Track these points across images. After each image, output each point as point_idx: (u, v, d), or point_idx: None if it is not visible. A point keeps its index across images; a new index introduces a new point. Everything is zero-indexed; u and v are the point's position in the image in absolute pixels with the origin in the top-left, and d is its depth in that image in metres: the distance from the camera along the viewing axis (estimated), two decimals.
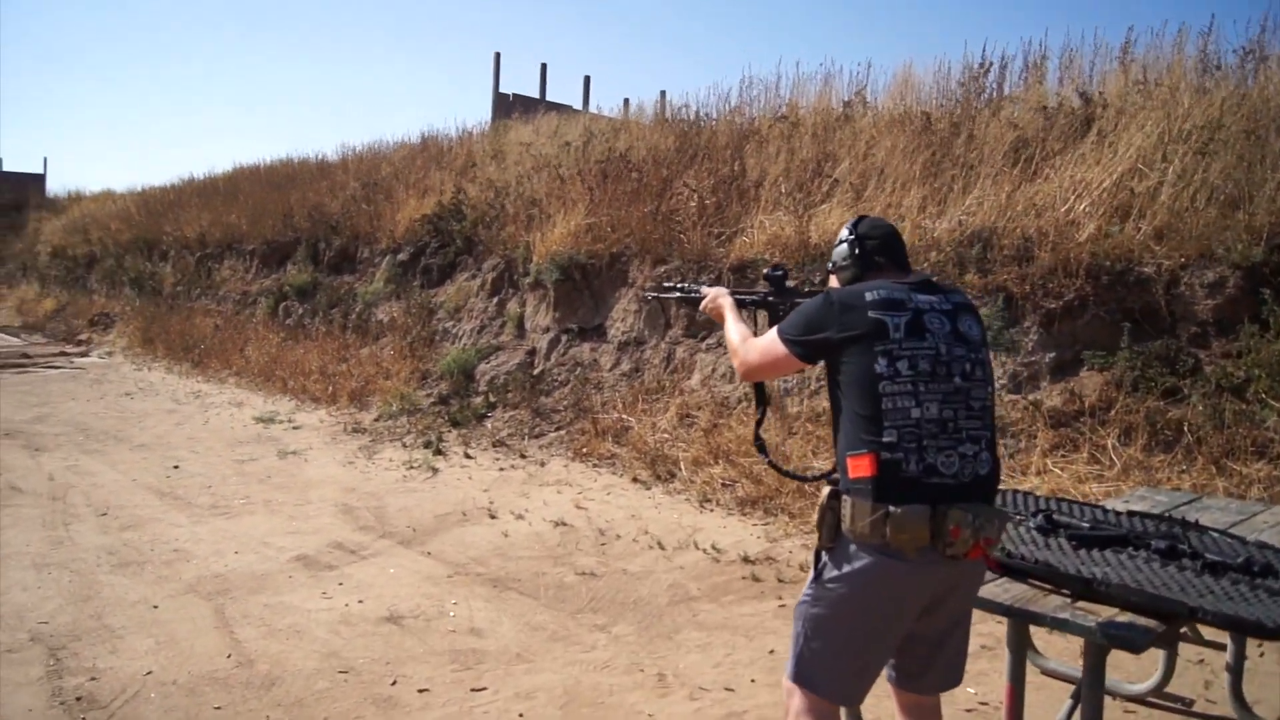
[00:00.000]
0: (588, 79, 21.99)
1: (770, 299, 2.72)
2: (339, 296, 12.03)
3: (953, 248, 6.33)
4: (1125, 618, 2.17)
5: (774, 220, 7.58)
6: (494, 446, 7.61)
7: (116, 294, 17.08)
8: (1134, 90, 6.97)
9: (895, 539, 2.03)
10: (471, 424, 8.14)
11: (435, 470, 7.05)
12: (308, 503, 6.22)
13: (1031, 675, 2.95)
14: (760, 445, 2.74)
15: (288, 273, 13.43)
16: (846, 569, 2.13)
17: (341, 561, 5.03)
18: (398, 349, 10.01)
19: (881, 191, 7.19)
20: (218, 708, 3.36)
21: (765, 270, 2.79)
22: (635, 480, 6.52)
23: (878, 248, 2.36)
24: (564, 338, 8.64)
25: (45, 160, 35.27)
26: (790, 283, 2.79)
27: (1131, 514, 2.88)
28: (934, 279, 2.32)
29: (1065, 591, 2.32)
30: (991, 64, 8.09)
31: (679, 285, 3.10)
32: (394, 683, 3.56)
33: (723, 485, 6.11)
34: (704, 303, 2.81)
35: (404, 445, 7.83)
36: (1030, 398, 5.68)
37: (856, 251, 2.36)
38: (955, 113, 7.75)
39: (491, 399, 8.41)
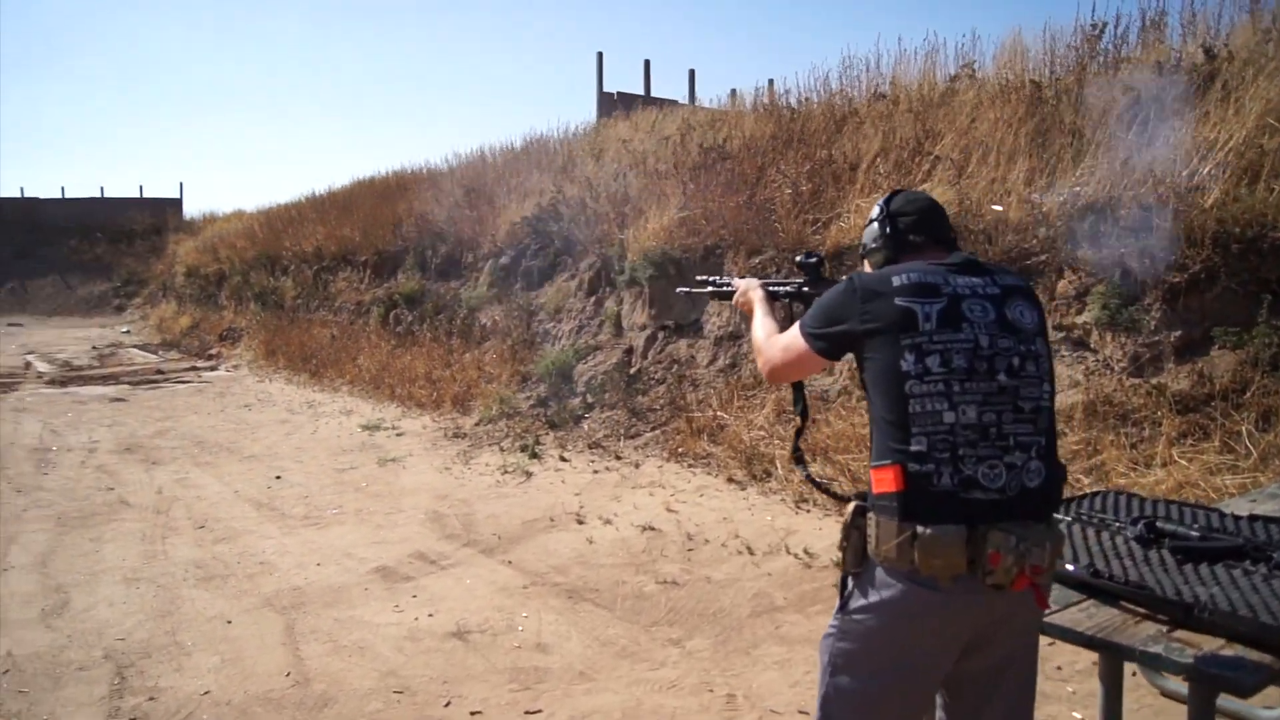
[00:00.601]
0: (692, 73, 21.75)
1: (805, 289, 2.44)
2: (445, 303, 12.14)
3: (1064, 221, 5.85)
4: (1233, 650, 1.83)
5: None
6: (589, 449, 7.46)
7: (243, 309, 17.71)
8: (1264, 40, 6.31)
9: (925, 564, 1.75)
10: (568, 426, 8.02)
11: (529, 475, 6.94)
12: (399, 511, 6.19)
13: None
14: (799, 458, 2.47)
15: (398, 281, 13.64)
16: (874, 598, 1.84)
17: (420, 573, 4.94)
18: (499, 352, 10.00)
19: (985, 166, 6.72)
20: None
21: (798, 258, 2.50)
22: (730, 480, 6.27)
23: (914, 224, 2.06)
24: (660, 335, 8.43)
25: (181, 185, 36.93)
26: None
27: (1254, 519, 2.49)
28: (978, 259, 2.00)
29: (1161, 617, 1.97)
30: (1105, 24, 7.48)
31: (711, 279, 2.85)
32: (448, 704, 3.42)
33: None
34: (735, 296, 2.55)
35: (501, 449, 7.76)
36: (1154, 381, 5.18)
37: (888, 230, 2.08)
38: (1066, 79, 7.20)
39: (589, 400, 8.27)
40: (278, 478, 7.28)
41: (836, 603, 1.98)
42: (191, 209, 30.51)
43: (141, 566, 5.14)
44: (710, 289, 2.80)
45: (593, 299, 9.62)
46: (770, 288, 2.47)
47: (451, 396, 9.59)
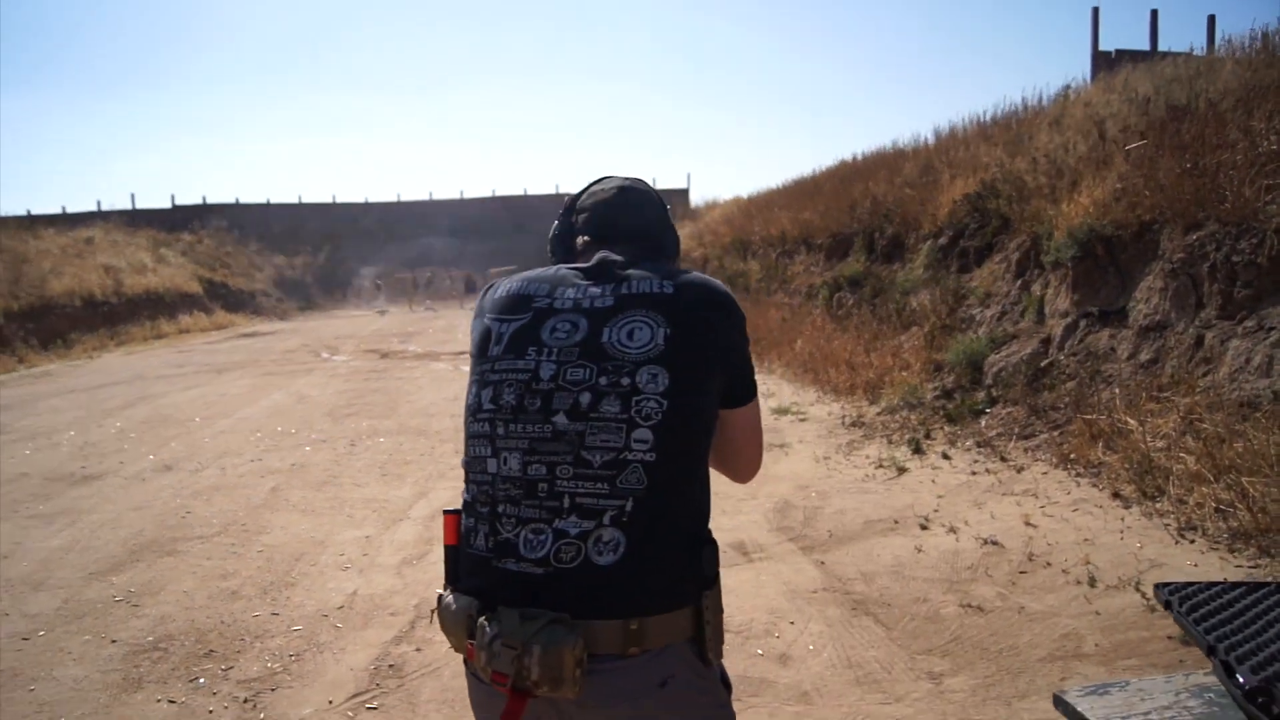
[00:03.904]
0: (1211, 18, 18.69)
1: None
2: (882, 285, 11.82)
3: None
4: None
5: None
6: (977, 446, 6.83)
7: None
8: None
9: (451, 643, 1.48)
10: (965, 421, 7.41)
11: (902, 470, 6.54)
12: (751, 498, 6.17)
13: None
14: None
15: (845, 263, 13.54)
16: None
17: (726, 561, 4.89)
18: (919, 339, 9.51)
19: None
20: None
21: None
22: (1115, 496, 5.37)
23: (585, 222, 1.71)
24: (1082, 323, 7.43)
25: (688, 175, 40.13)
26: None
27: None
28: (628, 262, 1.56)
29: None
30: None
31: None
32: None
33: (1217, 510, 4.76)
34: None
35: (889, 442, 7.39)
36: None
37: (558, 231, 1.76)
38: None
39: (993, 393, 7.57)
40: None
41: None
42: (698, 197, 32.88)
43: None
44: None
45: (1019, 282, 8.76)
46: None
47: (864, 383, 9.33)
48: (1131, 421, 5.91)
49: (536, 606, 1.37)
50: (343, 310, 30.38)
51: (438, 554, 5.23)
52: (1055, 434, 6.49)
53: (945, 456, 6.75)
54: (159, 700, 3.55)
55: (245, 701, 3.50)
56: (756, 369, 11.53)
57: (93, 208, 32.06)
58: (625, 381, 1.44)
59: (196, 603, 4.56)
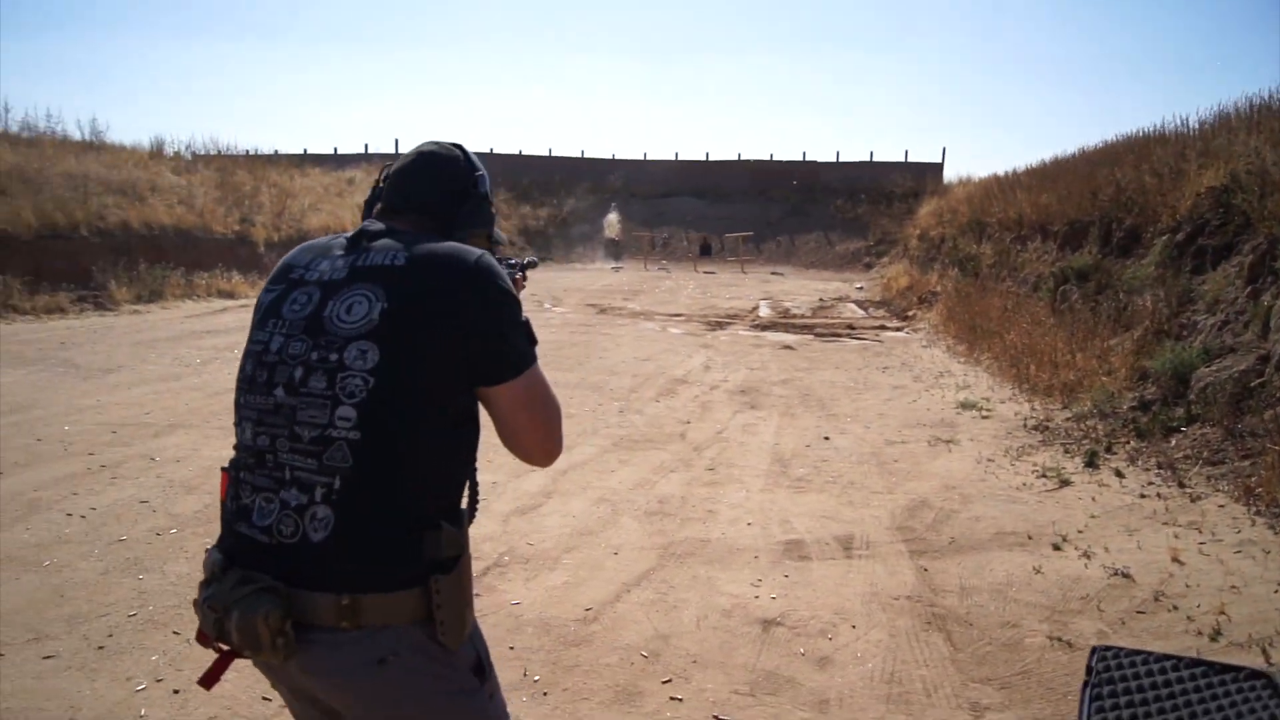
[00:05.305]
0: None
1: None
2: (1109, 280, 10.86)
3: None
4: None
5: None
6: (1158, 467, 6.19)
7: (946, 274, 17.87)
8: None
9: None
10: (1155, 437, 6.72)
11: (1065, 483, 6.04)
12: (888, 492, 5.90)
13: None
14: None
15: (1076, 254, 12.55)
16: None
17: (822, 555, 4.71)
18: (1131, 342, 8.69)
19: None
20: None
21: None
22: None
23: (383, 192, 1.70)
24: None
25: (944, 150, 38.35)
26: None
27: None
28: (382, 229, 1.56)
29: None
30: None
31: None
32: (666, 680, 3.29)
33: None
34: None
35: (1065, 450, 6.84)
36: None
37: (367, 198, 1.76)
38: None
39: (1194, 410, 6.81)
40: (825, 438, 7.41)
41: None
42: (951, 174, 31.39)
43: (588, 507, 5.76)
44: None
45: (1248, 290, 7.79)
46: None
47: (1062, 384, 8.66)
48: None
49: (262, 572, 1.41)
50: (581, 264, 31.40)
51: (551, 507, 5.39)
52: (1246, 463, 5.77)
53: (1118, 474, 6.16)
54: None
55: None
56: (964, 359, 10.90)
57: (360, 150, 34.64)
58: (333, 357, 1.44)
59: None
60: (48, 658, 3.39)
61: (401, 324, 1.44)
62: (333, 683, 1.44)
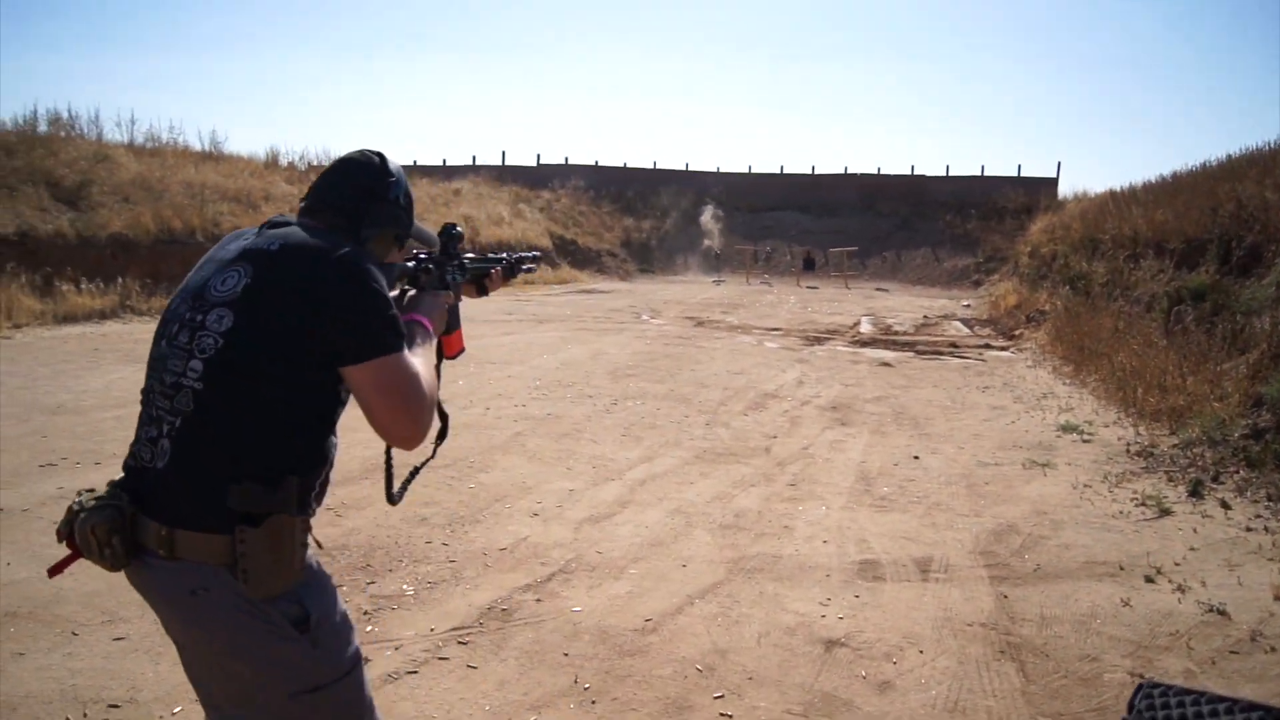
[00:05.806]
0: None
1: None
2: (1226, 301, 10.33)
3: None
4: None
5: None
6: (1268, 499, 5.84)
7: (1056, 292, 17.29)
8: None
9: None
10: (1268, 467, 6.34)
11: (1165, 512, 5.74)
12: (974, 515, 5.71)
13: None
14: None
15: (1194, 274, 11.98)
16: None
17: (896, 577, 4.57)
18: (1248, 366, 8.24)
19: None
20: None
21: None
22: None
23: (307, 193, 1.89)
24: None
25: (1059, 165, 37.09)
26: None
27: None
28: (288, 221, 1.79)
29: None
30: None
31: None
32: (720, 696, 3.22)
33: None
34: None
35: (1168, 479, 6.51)
36: None
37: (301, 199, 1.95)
38: None
39: None
40: (915, 458, 7.22)
41: None
42: (1067, 188, 30.40)
43: (704, 507, 5.71)
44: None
45: None
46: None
47: (1170, 409, 8.25)
48: None
49: (130, 493, 1.66)
50: (682, 276, 31.42)
51: (624, 517, 5.37)
52: None
53: (1224, 505, 5.83)
54: None
55: (365, 614, 3.81)
56: (1070, 380, 10.49)
57: (468, 162, 35.38)
58: (199, 319, 1.66)
59: (389, 522, 5.00)
60: (118, 639, 3.53)
61: (256, 298, 1.64)
62: (157, 602, 1.67)
